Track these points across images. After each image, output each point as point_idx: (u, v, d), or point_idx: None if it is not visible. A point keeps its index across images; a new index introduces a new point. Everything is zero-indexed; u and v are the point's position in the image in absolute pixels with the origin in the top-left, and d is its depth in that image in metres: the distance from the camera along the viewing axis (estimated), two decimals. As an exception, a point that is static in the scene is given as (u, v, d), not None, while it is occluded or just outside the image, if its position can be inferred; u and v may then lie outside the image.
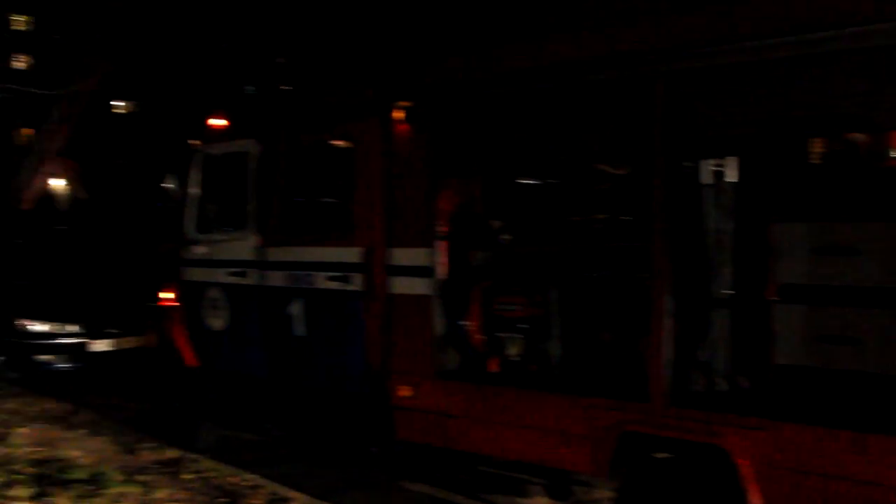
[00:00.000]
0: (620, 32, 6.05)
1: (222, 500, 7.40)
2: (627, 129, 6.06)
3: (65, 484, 7.53)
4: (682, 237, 5.84)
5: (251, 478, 7.94)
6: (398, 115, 7.29)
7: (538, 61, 6.50)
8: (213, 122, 9.30)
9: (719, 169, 5.88)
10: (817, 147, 5.84)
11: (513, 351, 7.02)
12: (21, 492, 7.31)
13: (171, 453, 8.55)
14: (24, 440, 8.86)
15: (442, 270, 7.15)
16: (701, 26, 5.67)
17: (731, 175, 5.85)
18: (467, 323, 7.15)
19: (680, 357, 5.82)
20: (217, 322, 8.95)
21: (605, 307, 6.61)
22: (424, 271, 7.13)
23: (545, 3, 6.80)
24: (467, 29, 7.44)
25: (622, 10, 6.13)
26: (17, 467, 7.92)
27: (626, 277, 6.41)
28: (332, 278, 7.76)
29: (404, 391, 7.33)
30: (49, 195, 34.48)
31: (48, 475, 7.73)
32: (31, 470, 7.85)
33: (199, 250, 9.22)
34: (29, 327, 12.56)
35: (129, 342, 12.49)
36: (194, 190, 9.33)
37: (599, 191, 7.15)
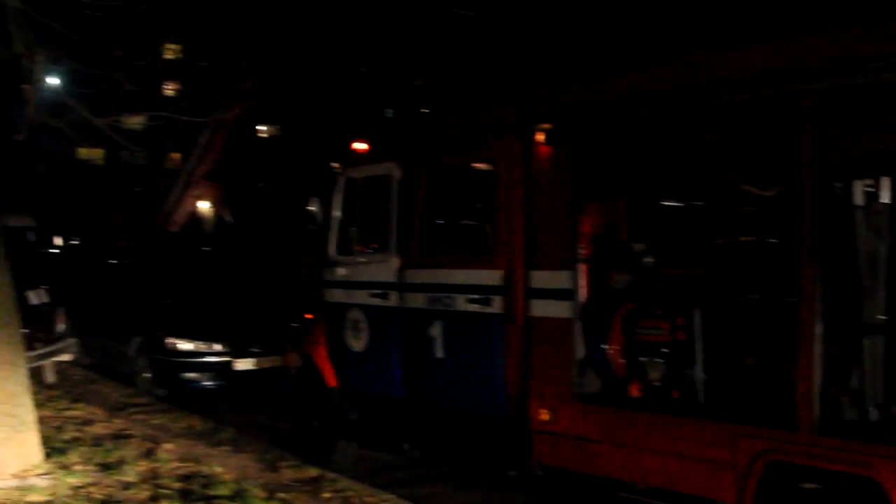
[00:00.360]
0: (768, 50, 5.93)
1: (361, 519, 7.46)
2: (775, 150, 5.91)
3: (208, 499, 7.68)
4: (833, 260, 5.66)
5: (389, 497, 7.97)
6: (539, 137, 7.27)
7: (681, 81, 6.42)
8: (355, 145, 9.43)
9: (872, 190, 5.69)
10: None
11: (654, 375, 6.90)
12: (167, 506, 7.53)
13: (311, 472, 8.65)
14: (171, 455, 9.08)
15: (583, 293, 7.09)
16: (854, 42, 5.51)
17: (885, 196, 5.65)
18: (608, 347, 7.05)
19: (830, 384, 5.64)
20: (357, 343, 9.04)
21: (750, 332, 6.45)
22: (565, 294, 7.08)
23: (686, 23, 6.71)
24: (608, 50, 7.39)
25: (770, 27, 6.01)
26: (163, 482, 8.13)
27: (774, 301, 6.24)
28: (471, 301, 7.76)
29: (543, 415, 7.28)
30: (196, 217, 35.51)
31: (192, 490, 7.90)
32: (176, 485, 8.04)
33: (341, 272, 9.34)
34: (178, 346, 12.91)
35: (270, 361, 12.70)
36: (336, 213, 9.46)
37: (745, 213, 7.00)
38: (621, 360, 7.03)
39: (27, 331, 9.15)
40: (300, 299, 10.16)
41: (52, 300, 13.43)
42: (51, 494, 7.61)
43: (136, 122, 9.11)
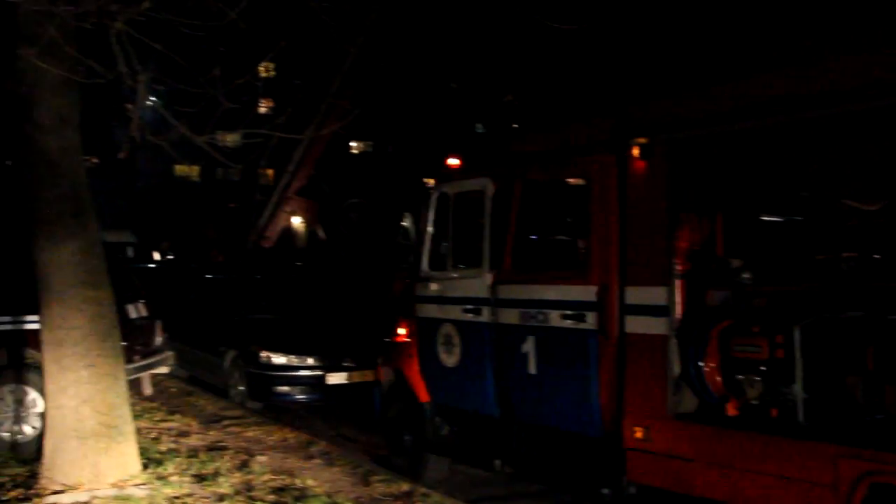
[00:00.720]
0: (872, 60, 5.79)
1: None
2: (879, 163, 5.77)
3: (301, 512, 7.76)
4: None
5: (481, 514, 7.96)
6: (634, 151, 7.19)
7: (779, 93, 6.29)
8: (448, 161, 9.44)
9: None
10: None
11: (752, 394, 6.76)
12: (261, 518, 7.60)
13: (403, 486, 8.66)
14: (264, 468, 9.18)
15: (679, 310, 6.99)
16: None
17: None
18: (704, 364, 6.93)
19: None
20: (449, 358, 9.04)
21: (852, 350, 6.28)
22: (661, 310, 6.99)
23: (788, 34, 6.60)
24: (704, 63, 7.29)
25: (872, 39, 5.87)
26: (257, 494, 8.21)
27: (877, 319, 6.07)
28: (565, 316, 7.70)
29: (637, 432, 7.20)
30: (289, 233, 35.93)
31: (286, 503, 7.97)
32: (270, 497, 8.12)
33: (433, 287, 9.35)
34: (272, 359, 13.03)
35: (362, 376, 12.75)
36: (429, 228, 9.48)
37: (847, 228, 6.82)
38: (718, 378, 6.91)
39: (126, 343, 9.32)
40: (393, 314, 10.20)
41: (150, 314, 13.64)
42: (148, 504, 7.75)
43: (232, 139, 9.24)
